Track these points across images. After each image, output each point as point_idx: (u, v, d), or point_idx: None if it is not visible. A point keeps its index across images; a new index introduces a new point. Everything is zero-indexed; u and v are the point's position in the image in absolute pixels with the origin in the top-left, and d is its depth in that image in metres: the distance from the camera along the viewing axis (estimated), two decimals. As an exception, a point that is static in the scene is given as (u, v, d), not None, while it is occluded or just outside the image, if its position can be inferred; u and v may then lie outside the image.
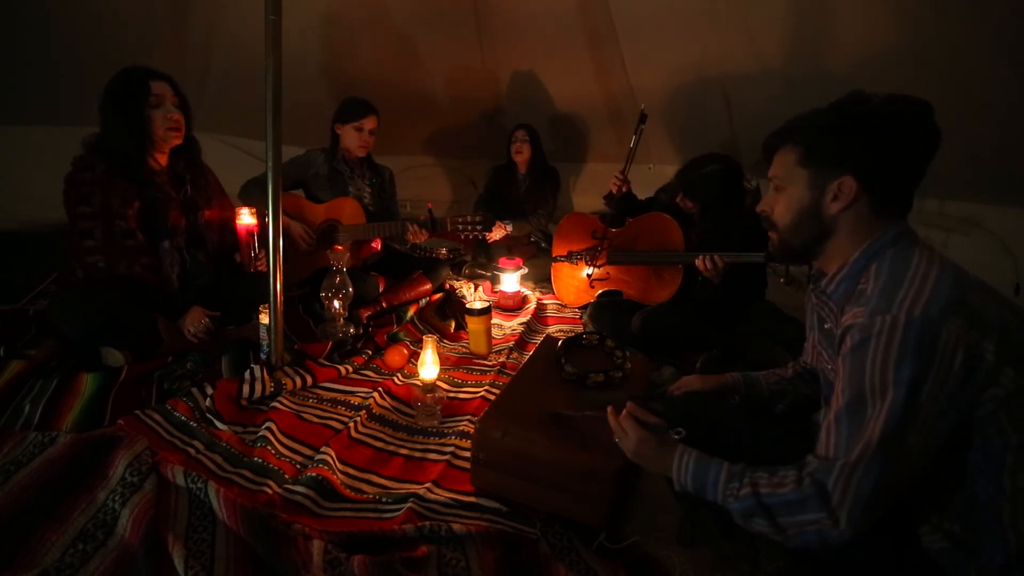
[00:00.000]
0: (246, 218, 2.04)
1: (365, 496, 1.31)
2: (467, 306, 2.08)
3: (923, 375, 0.80)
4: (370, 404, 1.66)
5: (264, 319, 1.78)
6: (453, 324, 2.35)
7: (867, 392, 0.83)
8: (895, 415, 0.80)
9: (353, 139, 2.44)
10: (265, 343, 1.80)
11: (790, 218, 1.00)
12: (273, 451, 1.42)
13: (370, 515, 1.25)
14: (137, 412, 1.47)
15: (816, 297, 1.08)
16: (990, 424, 0.82)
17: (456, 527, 1.15)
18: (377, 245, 2.55)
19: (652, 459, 1.02)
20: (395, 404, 1.72)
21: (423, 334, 2.10)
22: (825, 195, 0.95)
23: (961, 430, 0.83)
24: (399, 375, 1.89)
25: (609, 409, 1.11)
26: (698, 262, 1.98)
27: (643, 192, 2.57)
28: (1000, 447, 0.83)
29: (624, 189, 2.38)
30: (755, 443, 1.05)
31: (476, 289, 2.60)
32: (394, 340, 2.12)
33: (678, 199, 2.16)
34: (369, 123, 2.43)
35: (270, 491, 1.28)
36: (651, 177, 3.15)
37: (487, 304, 2.07)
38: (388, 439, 1.54)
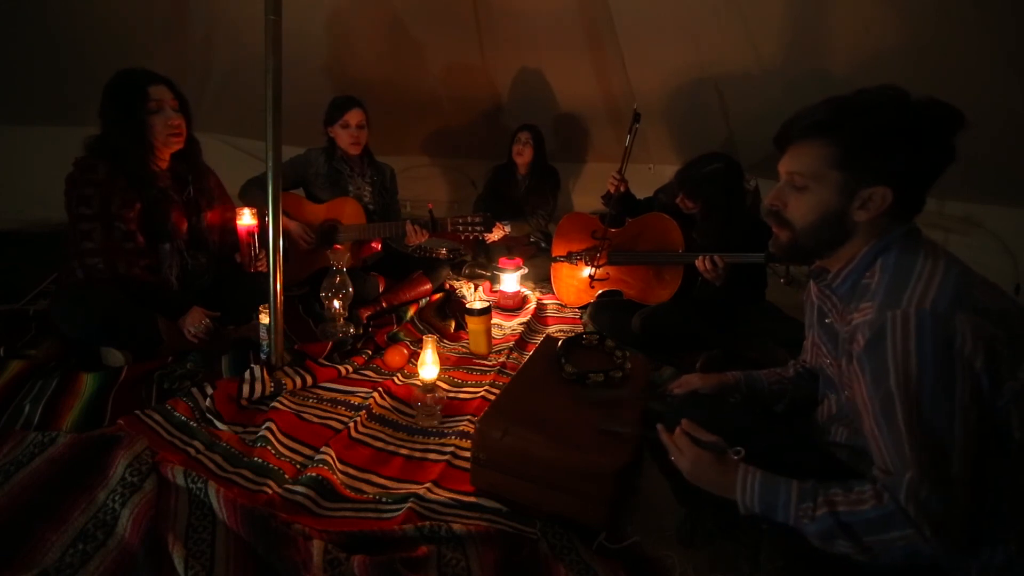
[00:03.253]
0: (246, 218, 2.04)
1: (365, 496, 1.31)
2: (467, 306, 2.08)
3: (948, 368, 0.79)
4: (370, 404, 1.66)
5: (264, 319, 1.78)
6: (453, 324, 2.35)
7: (895, 392, 0.82)
8: (929, 412, 0.79)
9: (343, 137, 2.44)
10: (265, 343, 1.80)
11: (811, 220, 0.95)
12: (273, 451, 1.42)
13: (370, 515, 1.25)
14: (137, 412, 1.47)
15: (818, 292, 1.08)
16: (1002, 417, 0.82)
17: (456, 527, 1.15)
18: (377, 245, 2.55)
19: (711, 480, 0.96)
20: (395, 404, 1.72)
21: (423, 334, 2.10)
22: (854, 201, 0.91)
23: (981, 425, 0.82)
24: (399, 375, 1.89)
25: (660, 427, 1.07)
26: (698, 263, 1.97)
27: (643, 193, 2.57)
28: (1007, 443, 0.82)
29: (622, 189, 2.38)
30: (755, 441, 1.05)
31: (476, 289, 2.60)
32: (394, 340, 2.12)
33: (679, 200, 2.16)
34: (353, 117, 2.41)
35: (270, 491, 1.28)
36: (651, 177, 3.15)
37: (487, 304, 2.07)
38: (388, 439, 1.54)
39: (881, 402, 0.83)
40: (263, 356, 1.81)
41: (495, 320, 2.32)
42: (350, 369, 1.86)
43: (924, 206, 0.95)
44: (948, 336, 0.79)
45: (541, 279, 2.82)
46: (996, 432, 0.82)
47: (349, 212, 2.43)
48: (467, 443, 1.46)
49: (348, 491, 1.32)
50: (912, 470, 0.79)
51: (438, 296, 2.58)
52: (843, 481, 0.87)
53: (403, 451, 1.50)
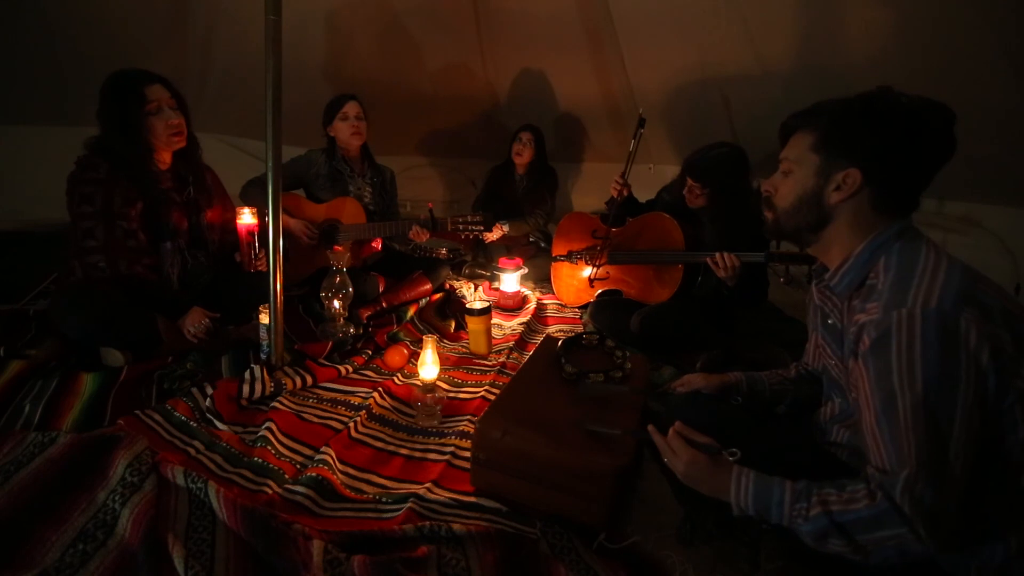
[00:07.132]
0: (246, 218, 2.04)
1: (365, 496, 1.31)
2: (467, 306, 2.08)
3: (952, 367, 0.79)
4: (370, 404, 1.66)
5: (264, 319, 1.78)
6: (453, 324, 2.35)
7: (897, 391, 0.82)
8: (932, 410, 0.79)
9: (343, 130, 2.44)
10: (265, 343, 1.80)
11: (790, 201, 1.01)
12: (273, 451, 1.42)
13: (370, 515, 1.25)
14: (137, 412, 1.46)
15: (819, 293, 1.08)
16: (1006, 418, 0.82)
17: (456, 527, 1.15)
18: (377, 245, 2.55)
19: (705, 481, 0.97)
20: (395, 404, 1.72)
21: (423, 334, 2.10)
22: (829, 184, 0.96)
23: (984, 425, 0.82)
24: (399, 375, 1.89)
25: (651, 428, 1.08)
26: (711, 261, 1.94)
27: (645, 193, 2.56)
28: (1011, 442, 0.82)
29: (625, 193, 2.37)
30: (758, 442, 1.05)
31: (476, 289, 2.60)
32: (394, 340, 2.12)
33: (685, 190, 2.12)
34: (351, 108, 2.43)
35: (270, 491, 1.28)
36: (651, 177, 3.15)
37: (487, 304, 2.07)
38: (388, 439, 1.54)
39: (883, 400, 0.83)
40: (263, 356, 1.81)
41: (495, 320, 2.32)
42: (350, 369, 1.86)
43: (916, 203, 0.96)
44: (954, 335, 0.79)
45: (541, 279, 2.83)
46: (1000, 433, 0.82)
47: (349, 212, 2.43)
48: (467, 443, 1.46)
49: (348, 491, 1.32)
50: (910, 467, 0.79)
51: (438, 296, 2.58)
52: (836, 480, 0.87)
53: (403, 451, 1.50)
